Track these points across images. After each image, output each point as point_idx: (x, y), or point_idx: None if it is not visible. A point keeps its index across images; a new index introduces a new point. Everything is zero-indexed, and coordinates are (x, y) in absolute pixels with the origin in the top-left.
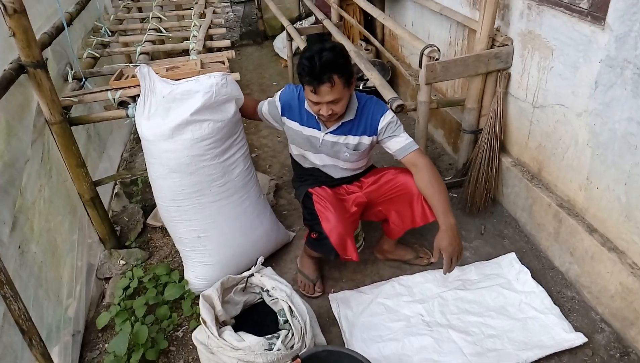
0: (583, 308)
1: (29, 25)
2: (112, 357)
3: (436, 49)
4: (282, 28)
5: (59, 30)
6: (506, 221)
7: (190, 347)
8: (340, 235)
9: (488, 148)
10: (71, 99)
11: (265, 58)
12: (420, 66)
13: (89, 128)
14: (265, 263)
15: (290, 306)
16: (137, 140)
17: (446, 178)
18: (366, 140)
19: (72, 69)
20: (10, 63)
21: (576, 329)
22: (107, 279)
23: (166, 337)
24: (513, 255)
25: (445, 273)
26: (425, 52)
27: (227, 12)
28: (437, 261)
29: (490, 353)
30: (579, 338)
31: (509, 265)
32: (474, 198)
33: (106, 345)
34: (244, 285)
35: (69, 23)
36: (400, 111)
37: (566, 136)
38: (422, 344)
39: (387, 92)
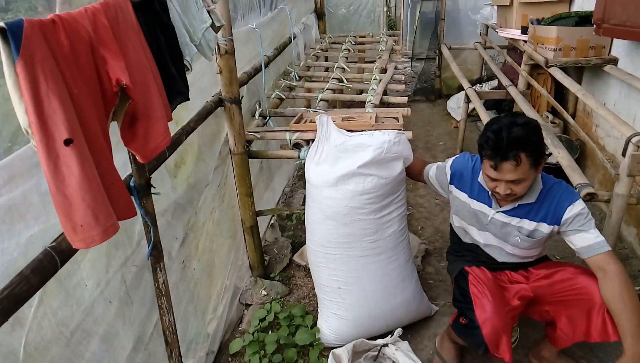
0: None
1: (234, 66)
2: None
3: None
4: (459, 88)
5: (256, 71)
6: None
7: None
8: (495, 328)
9: None
10: (254, 134)
11: (435, 116)
12: (623, 154)
13: (262, 161)
14: (401, 335)
15: None
16: (299, 177)
17: (635, 287)
18: (545, 228)
19: (259, 107)
20: (212, 96)
21: None
22: (247, 305)
23: None
24: None
25: None
26: (634, 140)
27: (405, 67)
28: None
29: None
30: None
31: None
32: None
33: None
34: (376, 353)
35: (266, 65)
36: (589, 200)
37: None
38: None
39: (577, 177)
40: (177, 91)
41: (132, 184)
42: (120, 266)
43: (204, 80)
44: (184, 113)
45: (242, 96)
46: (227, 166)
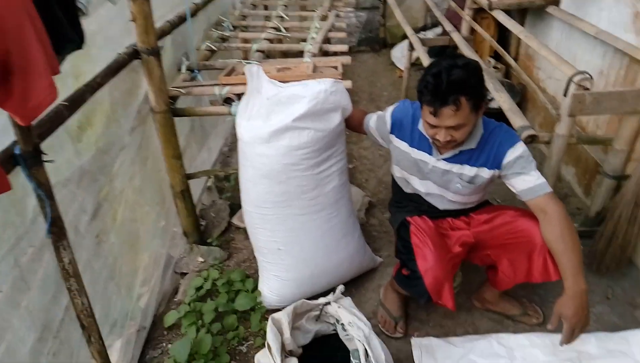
0: None
1: (150, 12)
2: (172, 362)
3: (589, 77)
4: (404, 37)
5: (182, 20)
6: None
7: None
8: (437, 278)
9: (633, 199)
10: (179, 90)
11: (380, 66)
12: (565, 94)
13: (193, 120)
14: (345, 289)
15: (366, 349)
16: None
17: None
18: (486, 173)
19: (187, 60)
20: (126, 48)
21: None
22: (183, 274)
23: (229, 350)
24: None
25: (562, 345)
26: (575, 79)
27: (350, 17)
28: (555, 328)
29: None
30: None
31: None
32: (605, 254)
33: (169, 345)
34: (318, 312)
35: (194, 14)
36: (530, 142)
37: None
38: None
39: (518, 119)
40: (66, 39)
41: (17, 152)
42: (10, 249)
43: (113, 28)
44: (87, 66)
45: (162, 47)
46: (148, 126)
